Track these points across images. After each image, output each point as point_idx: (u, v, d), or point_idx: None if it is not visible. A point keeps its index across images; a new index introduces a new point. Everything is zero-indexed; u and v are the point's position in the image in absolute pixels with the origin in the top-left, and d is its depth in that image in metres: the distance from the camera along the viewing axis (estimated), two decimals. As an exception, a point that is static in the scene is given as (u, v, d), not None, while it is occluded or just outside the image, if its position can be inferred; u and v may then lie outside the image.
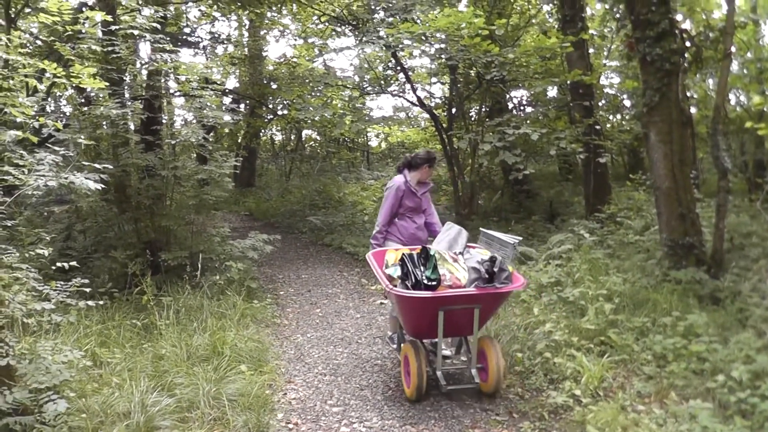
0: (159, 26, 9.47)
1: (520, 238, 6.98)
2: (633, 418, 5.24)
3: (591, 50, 14.11)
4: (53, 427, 4.90)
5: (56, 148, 6.39)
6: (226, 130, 24.55)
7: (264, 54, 24.79)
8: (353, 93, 18.15)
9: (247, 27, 25.29)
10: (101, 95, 9.88)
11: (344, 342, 8.21)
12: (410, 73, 16.51)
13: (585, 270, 8.49)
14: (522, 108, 17.08)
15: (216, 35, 20.16)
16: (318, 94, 16.96)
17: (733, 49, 8.77)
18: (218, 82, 18.09)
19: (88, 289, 6.09)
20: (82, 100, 12.14)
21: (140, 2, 9.30)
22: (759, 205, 8.76)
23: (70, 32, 7.39)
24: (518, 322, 7.45)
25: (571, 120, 12.93)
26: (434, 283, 5.91)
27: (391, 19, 13.26)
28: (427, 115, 18.03)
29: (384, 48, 13.06)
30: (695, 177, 8.63)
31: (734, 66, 11.87)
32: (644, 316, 6.93)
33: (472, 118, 16.11)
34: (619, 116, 18.46)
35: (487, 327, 7.43)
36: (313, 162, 27.84)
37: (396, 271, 6.28)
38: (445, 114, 15.90)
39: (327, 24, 17.91)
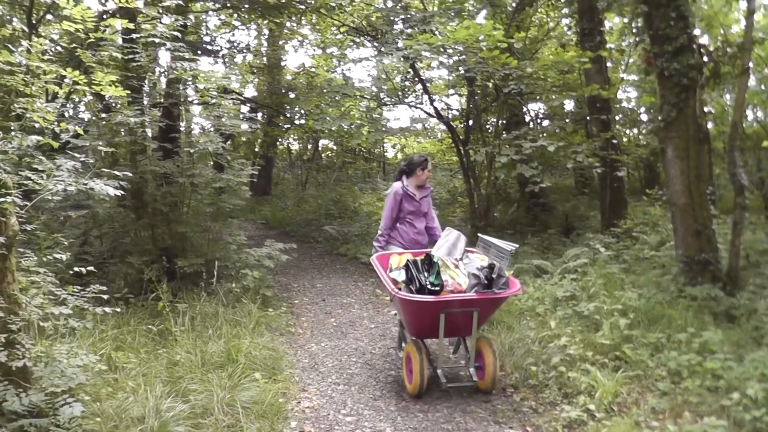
0: (179, 35, 9.52)
1: (517, 245, 7.22)
2: (647, 435, 5.25)
3: (609, 64, 14.10)
4: (68, 430, 4.94)
5: (75, 154, 6.45)
6: (244, 139, 24.62)
7: (283, 63, 24.89)
8: (371, 103, 18.19)
9: (266, 36, 25.39)
10: (120, 102, 9.95)
11: (358, 352, 8.22)
12: (428, 85, 16.55)
13: (600, 284, 8.47)
14: (539, 121, 17.10)
15: (235, 44, 20.26)
16: (336, 104, 16.99)
17: (750, 64, 8.75)
18: (236, 91, 18.14)
19: (105, 296, 6.14)
20: (101, 107, 12.24)
21: (161, 11, 9.35)
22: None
23: (92, 39, 7.44)
24: (533, 335, 7.44)
25: (588, 134, 12.93)
26: (437, 288, 6.24)
27: (410, 30, 13.30)
28: (443, 127, 18.04)
29: (402, 59, 13.11)
30: (711, 193, 8.61)
31: (752, 82, 11.87)
32: (659, 332, 6.91)
33: (489, 131, 16.12)
34: (635, 130, 18.45)
35: (500, 339, 7.48)
36: (329, 172, 27.84)
37: (400, 276, 6.61)
38: (462, 126, 15.92)
39: (346, 34, 17.96)
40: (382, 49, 13.89)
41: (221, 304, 9.11)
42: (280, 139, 27.97)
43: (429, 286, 6.26)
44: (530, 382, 6.63)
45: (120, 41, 10.60)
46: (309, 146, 31.22)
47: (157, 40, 9.24)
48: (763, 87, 12.38)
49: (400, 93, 17.49)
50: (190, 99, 14.57)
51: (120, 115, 9.38)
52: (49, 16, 12.98)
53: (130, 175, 6.64)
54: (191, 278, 9.98)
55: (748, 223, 8.10)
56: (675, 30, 8.10)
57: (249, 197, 11.88)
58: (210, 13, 19.79)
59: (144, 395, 5.87)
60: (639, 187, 17.07)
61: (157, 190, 10.54)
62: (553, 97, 12.98)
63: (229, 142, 11.13)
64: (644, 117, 17.37)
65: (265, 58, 24.24)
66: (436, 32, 12.94)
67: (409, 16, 14.10)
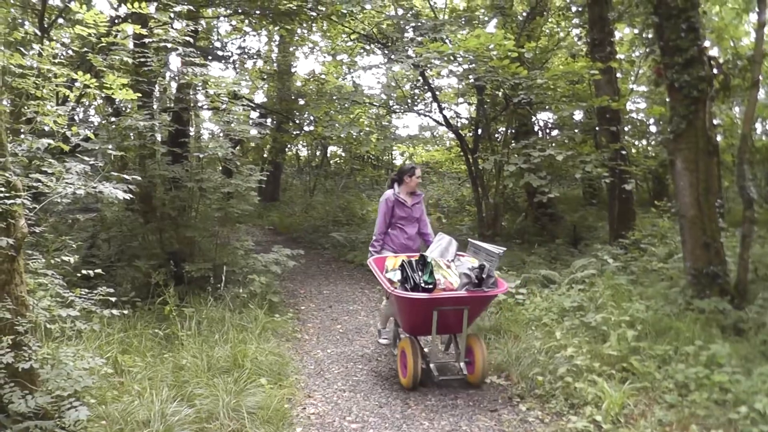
0: (191, 40, 9.55)
1: (504, 249, 7.62)
2: (653, 447, 5.23)
3: (618, 75, 14.08)
4: (73, 433, 4.95)
5: (85, 158, 6.47)
6: (253, 144, 24.67)
7: (293, 70, 24.94)
8: (380, 111, 18.21)
9: (276, 42, 25.46)
10: (129, 106, 9.97)
11: (364, 359, 8.22)
12: (437, 93, 16.54)
13: (608, 296, 8.45)
14: (548, 131, 17.09)
15: (246, 50, 20.31)
16: (345, 111, 17.00)
17: (760, 77, 8.74)
18: (246, 97, 18.18)
19: (113, 299, 6.15)
20: (111, 111, 12.26)
21: (172, 16, 9.38)
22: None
23: (103, 44, 7.47)
24: (539, 345, 7.42)
25: (597, 144, 12.92)
26: (431, 286, 6.73)
27: (420, 38, 13.31)
28: (452, 135, 18.04)
29: (412, 67, 13.11)
30: (720, 206, 8.58)
31: (761, 95, 11.84)
32: (666, 344, 6.89)
33: (498, 140, 16.12)
34: (644, 142, 18.42)
35: (507, 349, 7.51)
36: (338, 178, 27.88)
37: (396, 276, 7.06)
38: (471, 135, 15.92)
39: (356, 42, 17.99)
40: (392, 56, 13.91)
41: (228, 309, 9.11)
42: (289, 145, 28.01)
43: (423, 284, 6.73)
44: (537, 392, 6.61)
45: (131, 46, 10.62)
46: (318, 153, 31.26)
47: (169, 45, 9.26)
48: (773, 100, 12.37)
49: (409, 101, 17.48)
50: (200, 104, 14.61)
51: (130, 119, 9.41)
52: (60, 20, 13.04)
53: (139, 179, 6.65)
54: (198, 283, 9.99)
55: (756, 236, 8.07)
56: (685, 41, 8.09)
57: (257, 203, 11.86)
58: (221, 18, 19.87)
59: (150, 399, 5.87)
60: (647, 199, 17.05)
61: (165, 194, 10.56)
62: (563, 107, 12.96)
63: (238, 148, 11.12)
64: (653, 128, 17.35)
65: (275, 64, 24.30)
66: (447, 40, 12.95)
67: (419, 24, 14.11)
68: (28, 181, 5.40)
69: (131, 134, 10.20)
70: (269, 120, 23.97)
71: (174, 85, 13.59)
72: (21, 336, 4.99)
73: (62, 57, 12.03)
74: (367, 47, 17.52)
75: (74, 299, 5.90)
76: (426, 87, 16.16)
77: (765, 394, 5.54)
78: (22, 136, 6.11)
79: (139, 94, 7.33)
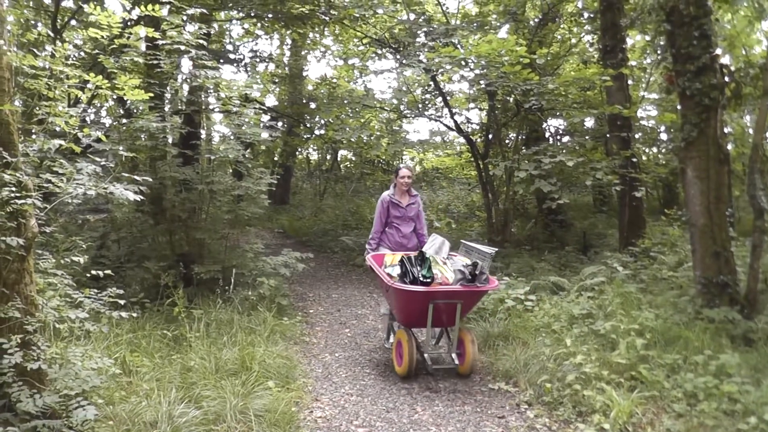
0: (204, 43, 9.58)
1: (496, 249, 8.22)
2: (661, 456, 5.20)
3: (630, 81, 14.04)
4: (80, 433, 4.96)
5: (96, 159, 6.49)
6: (263, 147, 24.71)
7: (304, 73, 24.98)
8: (391, 115, 18.21)
9: (288, 46, 25.50)
10: (141, 108, 10.00)
11: (372, 363, 8.21)
12: (448, 98, 16.53)
13: (617, 303, 8.41)
14: (559, 137, 17.06)
15: (258, 53, 20.35)
16: (357, 115, 17.01)
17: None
18: (258, 100, 18.21)
19: (122, 301, 6.16)
20: (122, 112, 12.30)
21: (185, 18, 9.41)
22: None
23: (116, 46, 7.50)
24: (548, 352, 7.40)
25: (607, 151, 12.89)
26: (429, 280, 7.27)
27: (432, 43, 13.31)
28: (463, 140, 18.02)
29: (423, 71, 13.11)
30: (731, 215, 8.54)
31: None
32: (676, 353, 6.86)
33: (509, 146, 16.10)
34: (655, 149, 18.36)
35: (515, 355, 7.50)
36: (348, 182, 27.91)
37: (395, 271, 7.66)
38: (482, 140, 15.90)
39: (368, 46, 17.99)
40: (404, 61, 13.91)
41: (237, 311, 9.12)
42: (299, 149, 28.05)
43: (421, 278, 7.25)
44: (545, 399, 6.59)
45: (143, 48, 10.66)
46: (328, 156, 31.29)
47: (182, 48, 9.29)
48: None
49: (420, 105, 17.48)
50: (211, 107, 14.65)
51: (142, 120, 9.44)
52: (73, 22, 13.10)
53: (150, 180, 6.66)
54: (207, 285, 10.01)
55: (767, 246, 8.01)
56: (697, 49, 8.06)
57: (267, 206, 11.88)
58: (233, 22, 19.91)
59: (157, 400, 5.89)
60: (657, 207, 16.99)
61: (176, 196, 10.59)
62: (574, 113, 12.94)
63: (248, 151, 11.14)
64: (664, 136, 17.30)
65: (287, 68, 24.34)
66: (459, 45, 12.95)
67: (431, 28, 14.11)
68: (39, 181, 5.42)
69: (142, 136, 10.23)
70: (280, 123, 24.01)
71: (186, 87, 13.62)
72: (30, 335, 5.01)
73: (74, 58, 12.10)
74: (379, 51, 17.52)
75: (83, 300, 5.92)
76: (437, 92, 16.16)
77: (774, 404, 5.52)
78: (34, 136, 6.13)
79: (151, 95, 7.33)
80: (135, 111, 11.37)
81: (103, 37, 6.94)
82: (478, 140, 16.13)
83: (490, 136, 15.35)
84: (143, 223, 11.53)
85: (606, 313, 8.30)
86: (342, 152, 29.90)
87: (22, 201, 4.80)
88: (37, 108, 6.10)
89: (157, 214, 10.93)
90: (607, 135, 13.14)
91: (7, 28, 5.47)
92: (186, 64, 13.81)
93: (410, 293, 7.18)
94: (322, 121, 18.76)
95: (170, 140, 10.51)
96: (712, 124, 8.08)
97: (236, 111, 10.70)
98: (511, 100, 14.11)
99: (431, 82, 15.80)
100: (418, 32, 14.49)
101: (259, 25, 19.46)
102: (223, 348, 7.58)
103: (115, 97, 7.13)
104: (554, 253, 13.16)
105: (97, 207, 13.42)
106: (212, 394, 6.23)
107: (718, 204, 8.06)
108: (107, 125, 12.55)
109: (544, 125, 16.15)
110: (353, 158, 30.31)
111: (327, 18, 15.75)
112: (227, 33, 21.55)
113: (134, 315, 6.43)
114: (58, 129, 6.18)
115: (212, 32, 16.71)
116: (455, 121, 15.70)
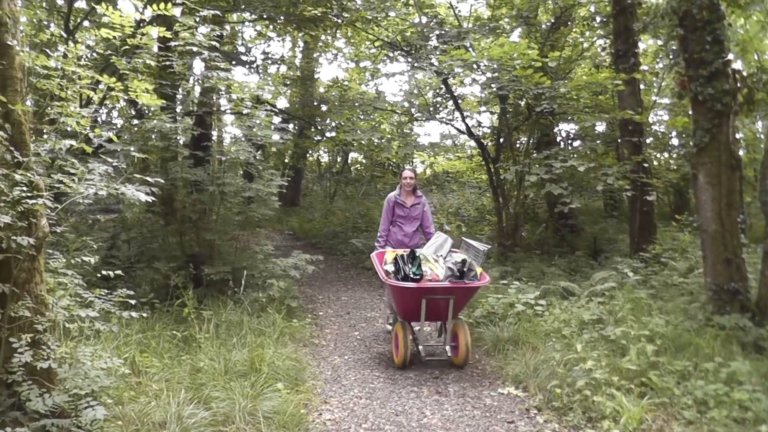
0: (216, 44, 9.60)
1: (489, 246, 9.38)
2: (671, 463, 5.17)
3: (642, 86, 13.99)
4: (89, 432, 4.96)
5: (108, 159, 6.50)
6: (274, 149, 24.75)
7: (316, 76, 24.99)
8: (402, 118, 18.21)
9: (300, 48, 25.53)
10: (153, 108, 10.02)
11: (381, 366, 8.20)
12: (460, 101, 16.50)
13: (627, 309, 8.38)
14: (570, 141, 17.02)
15: (270, 55, 20.37)
16: (368, 117, 17.00)
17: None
18: (269, 102, 18.23)
19: (132, 301, 6.17)
20: (134, 113, 12.33)
21: (197, 20, 9.42)
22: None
23: (128, 46, 7.52)
24: (558, 357, 7.36)
25: (618, 156, 12.85)
26: (418, 277, 7.81)
27: (444, 46, 13.29)
28: (474, 144, 17.98)
29: (435, 74, 13.10)
30: (742, 221, 8.50)
31: (785, 109, 11.72)
32: (686, 360, 6.82)
33: (520, 150, 16.06)
34: (666, 154, 18.30)
35: (525, 360, 7.48)
36: (358, 185, 27.90)
37: (391, 268, 8.11)
38: (493, 144, 15.88)
39: (380, 49, 17.99)
40: (416, 64, 13.90)
41: (246, 312, 9.14)
42: (310, 151, 28.07)
43: (411, 275, 7.82)
44: (554, 404, 6.57)
45: (155, 49, 10.68)
46: (339, 159, 31.31)
47: (194, 49, 9.31)
48: (797, 116, 12.23)
49: (431, 108, 17.46)
50: (223, 108, 14.66)
51: (154, 121, 9.46)
52: (86, 23, 13.13)
53: (162, 181, 6.67)
54: (217, 286, 10.02)
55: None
56: (710, 54, 8.03)
57: (278, 207, 11.89)
58: (246, 23, 19.94)
59: (166, 400, 5.89)
60: (668, 212, 16.92)
61: (187, 197, 10.61)
62: (586, 118, 12.90)
63: (259, 152, 11.16)
64: (675, 141, 17.25)
65: (298, 70, 24.36)
66: (470, 49, 12.93)
67: (443, 31, 14.10)
68: (51, 181, 5.43)
69: (154, 136, 10.25)
70: (291, 125, 24.03)
71: (197, 88, 13.64)
72: (40, 335, 5.03)
73: (86, 59, 12.14)
74: (391, 54, 17.51)
75: (94, 299, 5.93)
76: (449, 95, 16.13)
77: (785, 412, 5.48)
78: (45, 136, 6.14)
79: (163, 102, 7.35)
80: (147, 112, 11.38)
81: (115, 37, 6.96)
82: (489, 144, 16.07)
83: (501, 140, 15.32)
84: (154, 224, 11.55)
85: (616, 318, 8.27)
86: (352, 154, 29.93)
87: (34, 201, 4.81)
88: (49, 108, 6.11)
89: (167, 214, 10.95)
90: (619, 140, 13.10)
91: (21, 29, 5.49)
92: (198, 66, 13.86)
93: (400, 289, 7.76)
94: (333, 124, 18.78)
95: (182, 141, 10.53)
96: (724, 129, 8.05)
97: (248, 113, 10.71)
98: (523, 103, 14.07)
99: (443, 85, 15.76)
100: (430, 35, 14.48)
101: (271, 27, 19.49)
102: (232, 349, 7.60)
103: (126, 97, 7.14)
104: (564, 258, 13.12)
105: (107, 207, 13.47)
106: (221, 396, 6.24)
107: (729, 210, 8.03)
108: (119, 126, 12.57)
109: (556, 129, 16.10)
110: (364, 161, 30.31)
111: (339, 20, 15.78)
112: (239, 35, 21.60)
113: (144, 315, 6.45)
114: (69, 129, 6.19)
115: (225, 34, 16.74)
116: (466, 125, 15.65)
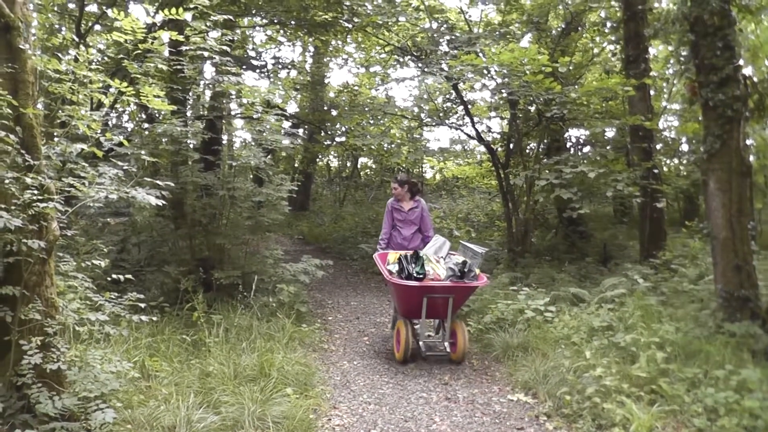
0: (227, 49, 9.62)
1: (486, 249, 9.67)
2: (681, 470, 5.14)
3: (652, 92, 13.96)
4: (98, 436, 4.97)
5: (119, 163, 6.52)
6: (284, 154, 24.80)
7: (326, 80, 25.03)
8: (412, 123, 18.21)
9: (311, 53, 25.57)
10: (163, 112, 10.05)
11: (390, 372, 8.19)
12: (470, 106, 16.49)
13: (637, 316, 8.35)
14: (580, 147, 16.99)
15: (280, 60, 20.42)
16: (378, 122, 17.01)
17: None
18: (280, 106, 18.29)
19: (142, 305, 6.18)
20: (144, 117, 12.36)
21: (209, 24, 9.45)
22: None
23: (139, 50, 7.55)
24: (568, 364, 7.34)
25: (629, 162, 12.81)
26: (421, 276, 8.30)
27: (454, 51, 13.29)
28: (483, 149, 17.98)
29: (445, 79, 13.09)
30: (752, 228, 8.45)
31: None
32: (696, 368, 6.78)
33: (530, 155, 16.03)
34: (676, 160, 18.26)
35: (534, 366, 7.45)
36: (367, 189, 27.94)
37: (395, 268, 8.60)
38: (503, 149, 15.86)
39: (390, 54, 18.00)
40: (426, 69, 13.90)
41: (256, 317, 9.15)
42: (320, 156, 28.11)
43: (414, 274, 8.29)
44: (564, 411, 6.55)
45: (166, 53, 10.72)
46: (348, 163, 31.34)
47: (205, 54, 9.33)
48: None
49: (441, 114, 17.46)
50: (233, 112, 14.69)
51: (165, 125, 9.48)
52: (97, 27, 13.18)
53: (172, 185, 6.69)
54: (227, 290, 10.03)
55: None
56: (721, 60, 8.00)
57: (287, 212, 11.90)
58: (257, 28, 19.99)
59: (176, 404, 5.90)
60: (678, 218, 16.87)
61: (197, 201, 10.63)
62: (596, 123, 12.88)
63: (269, 157, 11.17)
64: (685, 147, 17.21)
65: (309, 75, 24.41)
66: (481, 54, 12.92)
67: (454, 37, 14.10)
68: (61, 184, 5.45)
69: (164, 140, 10.28)
70: (301, 130, 24.07)
71: (208, 93, 13.67)
72: (50, 337, 5.04)
73: (97, 63, 12.19)
74: (401, 59, 17.51)
75: (103, 303, 5.95)
76: (458, 100, 16.12)
77: (796, 421, 5.44)
78: (57, 139, 6.16)
79: (174, 107, 7.38)
80: (157, 116, 11.41)
81: (126, 41, 6.98)
82: (499, 149, 16.06)
83: (511, 146, 15.30)
84: (164, 228, 11.58)
85: (626, 325, 8.23)
86: (362, 159, 29.94)
87: (44, 204, 4.83)
88: (61, 111, 6.14)
89: (177, 218, 10.98)
90: (629, 145, 13.07)
91: (33, 33, 5.52)
92: (209, 70, 13.89)
93: (404, 287, 8.21)
94: (343, 128, 18.81)
95: (192, 145, 10.55)
96: (734, 135, 8.00)
97: (258, 117, 10.72)
98: (533, 109, 14.04)
99: (453, 91, 15.76)
100: (441, 40, 14.48)
101: (282, 32, 19.55)
102: (242, 354, 7.60)
103: (137, 101, 7.16)
104: (574, 264, 13.07)
105: (118, 210, 13.51)
106: (231, 400, 6.24)
107: (739, 217, 7.98)
108: (129, 129, 12.62)
109: (566, 135, 16.08)
110: (373, 165, 30.34)
111: (350, 25, 15.80)
112: (250, 39, 21.66)
113: (154, 319, 6.45)
114: (80, 132, 6.21)
115: (235, 39, 16.77)
116: (476, 130, 15.64)
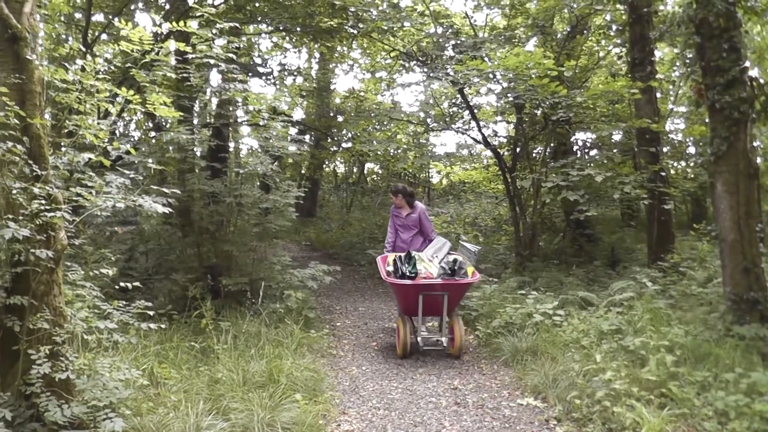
0: (234, 56, 9.64)
1: (480, 248, 10.50)
2: (691, 474, 5.12)
3: (658, 94, 13.93)
4: (108, 445, 4.97)
5: (126, 171, 6.54)
6: (291, 160, 24.83)
7: (332, 87, 25.06)
8: (418, 128, 18.20)
9: (316, 59, 25.60)
10: (170, 120, 10.08)
11: (399, 377, 8.18)
12: (476, 111, 16.48)
13: (646, 319, 8.32)
14: (586, 150, 16.95)
15: (286, 66, 20.45)
16: (384, 128, 17.02)
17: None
18: (286, 113, 18.32)
19: (151, 313, 6.19)
20: (151, 125, 12.40)
21: (215, 32, 9.48)
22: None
23: (146, 60, 7.57)
24: (577, 368, 7.32)
25: (635, 165, 12.79)
26: (413, 275, 8.89)
27: (460, 56, 13.29)
28: (490, 154, 17.95)
29: (451, 84, 13.09)
30: (761, 230, 8.42)
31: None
32: (706, 371, 6.76)
33: (536, 159, 16.01)
34: (683, 163, 18.22)
35: (543, 370, 7.43)
36: (374, 195, 27.94)
37: (391, 268, 9.15)
38: (509, 153, 15.84)
39: (396, 59, 18.01)
40: (432, 74, 13.90)
41: (264, 323, 9.15)
42: (326, 162, 28.14)
43: (407, 274, 8.87)
44: (574, 415, 6.53)
45: (173, 61, 10.75)
46: (355, 169, 31.35)
47: (212, 62, 9.35)
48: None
49: (447, 118, 17.46)
50: (239, 120, 14.72)
51: (172, 133, 9.50)
52: (103, 36, 13.22)
53: (179, 193, 6.70)
54: (235, 297, 10.05)
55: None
56: (727, 62, 7.97)
57: (294, 218, 11.92)
58: (262, 35, 20.02)
59: (185, 412, 5.90)
60: (686, 221, 16.83)
61: (204, 208, 10.64)
62: (602, 126, 12.85)
63: (276, 163, 11.20)
64: (692, 149, 17.17)
65: (315, 81, 24.43)
66: (486, 58, 12.92)
67: (459, 41, 14.10)
68: (69, 194, 5.46)
69: (171, 148, 10.30)
70: (308, 136, 24.09)
71: (214, 100, 13.70)
72: (58, 346, 5.05)
73: (104, 72, 12.23)
74: (407, 64, 17.53)
75: (112, 311, 5.96)
76: (464, 105, 16.11)
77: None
78: (64, 149, 6.18)
79: (180, 114, 7.39)
80: (164, 124, 11.45)
81: (133, 50, 7.00)
82: (506, 153, 16.04)
83: (518, 150, 15.29)
84: (171, 236, 11.60)
85: (635, 329, 8.20)
86: (368, 165, 29.97)
87: (52, 214, 4.84)
88: (68, 121, 6.15)
89: (185, 226, 10.99)
90: (636, 148, 13.04)
91: (40, 43, 5.54)
92: (215, 78, 13.92)
93: (398, 285, 8.82)
94: (349, 134, 18.83)
95: (199, 153, 10.58)
96: (741, 137, 7.98)
97: (264, 124, 10.74)
98: (539, 113, 14.03)
99: (458, 95, 15.75)
100: (446, 45, 14.48)
101: (288, 38, 19.58)
102: (250, 360, 7.60)
103: (144, 110, 7.18)
104: (582, 268, 13.05)
105: (125, 219, 13.53)
106: (240, 407, 6.24)
107: (747, 219, 7.95)
108: (136, 138, 12.65)
109: (572, 138, 16.05)
110: (380, 171, 30.34)
111: (355, 31, 15.81)
112: (256, 46, 21.69)
113: (162, 326, 6.47)
114: (87, 142, 6.23)
115: (241, 46, 16.81)
116: (482, 134, 15.62)
